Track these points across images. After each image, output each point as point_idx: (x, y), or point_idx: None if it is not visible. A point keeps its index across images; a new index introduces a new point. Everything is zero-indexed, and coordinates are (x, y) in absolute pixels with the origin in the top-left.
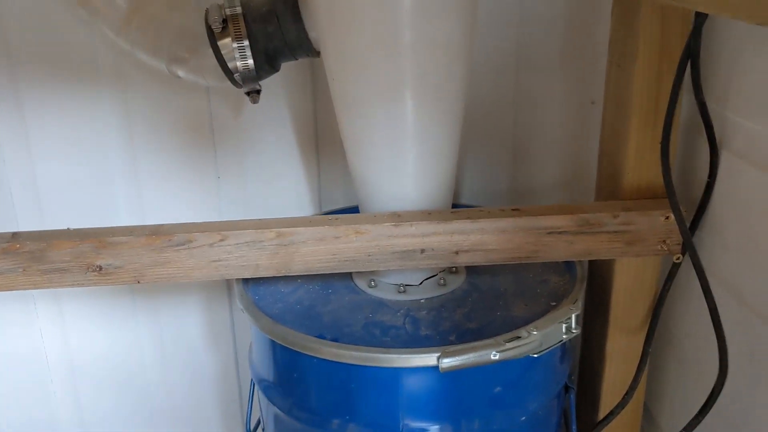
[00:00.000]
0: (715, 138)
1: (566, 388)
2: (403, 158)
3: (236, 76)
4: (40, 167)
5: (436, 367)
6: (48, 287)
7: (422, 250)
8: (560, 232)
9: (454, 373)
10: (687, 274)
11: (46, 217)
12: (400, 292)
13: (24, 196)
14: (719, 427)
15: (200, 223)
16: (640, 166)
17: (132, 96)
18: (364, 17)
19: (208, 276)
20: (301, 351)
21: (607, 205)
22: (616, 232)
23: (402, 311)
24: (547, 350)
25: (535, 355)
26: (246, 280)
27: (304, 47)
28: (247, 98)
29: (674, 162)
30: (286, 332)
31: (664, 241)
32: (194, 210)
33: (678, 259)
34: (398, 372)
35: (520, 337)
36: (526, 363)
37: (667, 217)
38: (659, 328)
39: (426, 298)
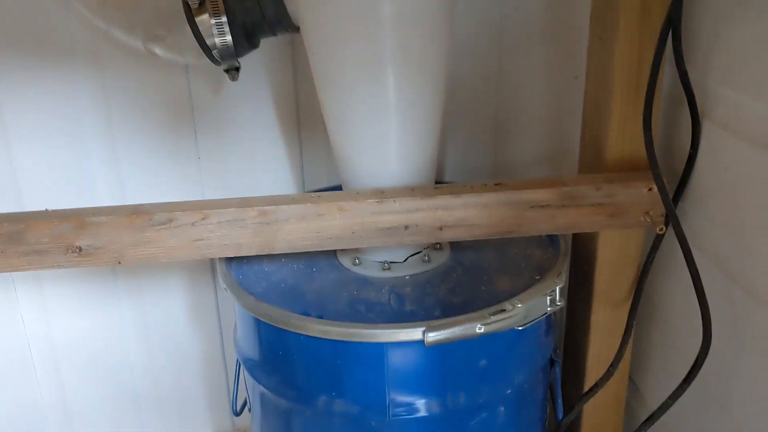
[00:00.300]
0: (697, 109)
1: (551, 362)
2: (385, 134)
3: (214, 53)
4: (17, 149)
5: (421, 342)
6: (27, 269)
7: (406, 227)
8: (543, 206)
9: (440, 347)
10: (670, 245)
11: (24, 199)
12: (384, 269)
13: (0, 178)
14: (703, 397)
15: (181, 202)
16: (622, 138)
17: (109, 76)
18: None
19: (190, 255)
20: (286, 329)
21: (589, 178)
22: (599, 204)
23: (387, 288)
24: (531, 323)
25: (520, 328)
26: (229, 260)
27: (283, 22)
28: (226, 76)
29: (657, 134)
30: (270, 310)
31: (648, 213)
32: (175, 191)
33: (661, 230)
34: (384, 347)
35: (504, 310)
36: (511, 336)
37: (650, 189)
38: (643, 300)
39: (410, 275)
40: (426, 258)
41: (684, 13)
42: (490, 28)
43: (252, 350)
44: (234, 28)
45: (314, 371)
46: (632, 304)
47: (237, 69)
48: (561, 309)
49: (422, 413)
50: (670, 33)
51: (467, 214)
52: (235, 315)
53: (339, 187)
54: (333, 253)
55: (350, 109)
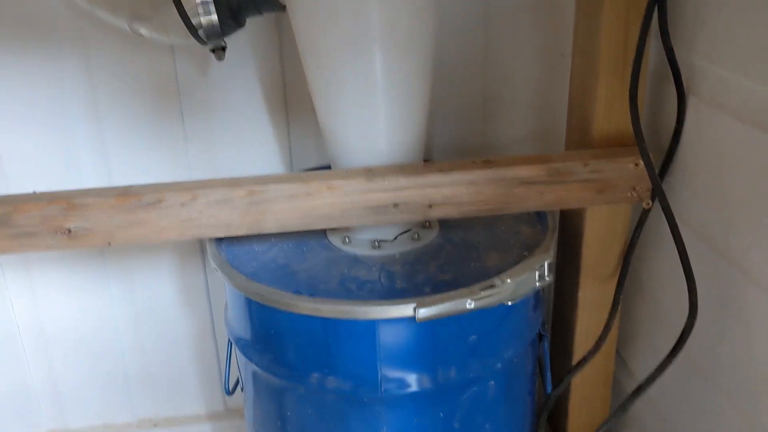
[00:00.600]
0: (682, 84)
1: (540, 336)
2: (373, 112)
3: (200, 32)
4: (1, 131)
5: (412, 318)
6: (16, 252)
7: (395, 205)
8: (531, 183)
9: (431, 323)
10: (656, 220)
11: (10, 181)
12: (374, 247)
13: None
14: (689, 370)
15: (170, 182)
16: (609, 114)
17: (94, 57)
18: None
19: (180, 236)
20: (278, 307)
21: (577, 154)
22: (586, 180)
23: (377, 266)
24: (520, 298)
25: (509, 304)
26: (219, 240)
27: (268, 0)
28: (213, 57)
29: (643, 110)
30: (262, 289)
31: (634, 188)
32: (162, 173)
33: (648, 205)
34: (375, 324)
35: (494, 286)
36: (500, 311)
37: (637, 164)
38: (630, 275)
39: (400, 253)
40: (415, 236)
41: None
42: (476, 7)
43: (243, 330)
44: (219, 7)
45: (306, 349)
46: (619, 279)
47: (223, 49)
48: (549, 284)
49: (414, 388)
50: (656, 10)
51: (456, 191)
52: (226, 295)
53: (328, 167)
54: (323, 233)
55: (338, 87)
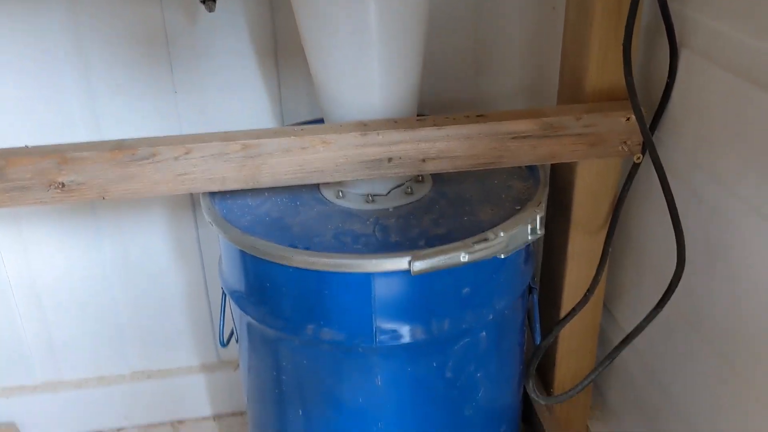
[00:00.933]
0: (675, 37)
1: (530, 289)
2: (367, 64)
3: None
4: None
5: (407, 271)
6: (9, 206)
7: (389, 159)
8: (524, 137)
9: (425, 275)
10: (645, 174)
11: None
12: (368, 201)
13: None
14: (675, 321)
15: (164, 136)
16: (602, 68)
17: (81, 7)
18: None
19: (174, 190)
20: (274, 261)
21: (569, 108)
22: (578, 134)
23: (371, 220)
24: (513, 251)
25: (502, 256)
26: (212, 194)
27: None
28: (201, 7)
29: (635, 64)
30: (258, 243)
31: (625, 142)
32: (152, 126)
33: (638, 159)
34: (371, 277)
35: (487, 239)
36: (493, 264)
37: (628, 119)
38: (618, 228)
39: (394, 207)
40: (409, 190)
41: None
42: None
43: (238, 282)
44: None
45: (301, 302)
46: (608, 232)
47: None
48: (539, 238)
49: (408, 339)
50: None
51: (450, 145)
52: (220, 248)
53: (319, 121)
54: (316, 187)
55: (332, 39)
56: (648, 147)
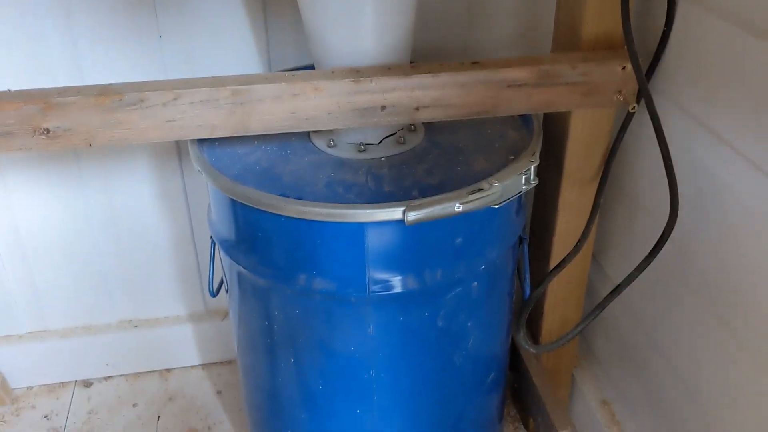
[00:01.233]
0: None
1: (520, 239)
2: (361, 8)
3: None
4: None
5: (401, 221)
6: None
7: (383, 107)
8: (520, 85)
9: (418, 226)
10: (638, 124)
11: None
12: (360, 151)
13: None
14: (665, 273)
15: (151, 81)
16: (598, 15)
17: None
18: None
19: (163, 137)
20: (267, 210)
21: (565, 57)
22: (574, 83)
23: (363, 169)
24: (506, 201)
25: (496, 207)
26: (200, 142)
27: None
28: None
29: (631, 11)
30: (250, 192)
31: (620, 92)
32: (136, 72)
33: (634, 109)
34: (364, 227)
35: (482, 189)
36: (486, 214)
37: (624, 68)
38: (610, 179)
39: (386, 156)
40: (401, 139)
41: None
42: None
43: (228, 232)
44: None
45: (294, 251)
46: (600, 183)
47: None
48: (532, 188)
49: (400, 289)
50: None
51: (444, 93)
52: (210, 197)
53: (308, 67)
54: (306, 135)
55: None
56: (644, 97)
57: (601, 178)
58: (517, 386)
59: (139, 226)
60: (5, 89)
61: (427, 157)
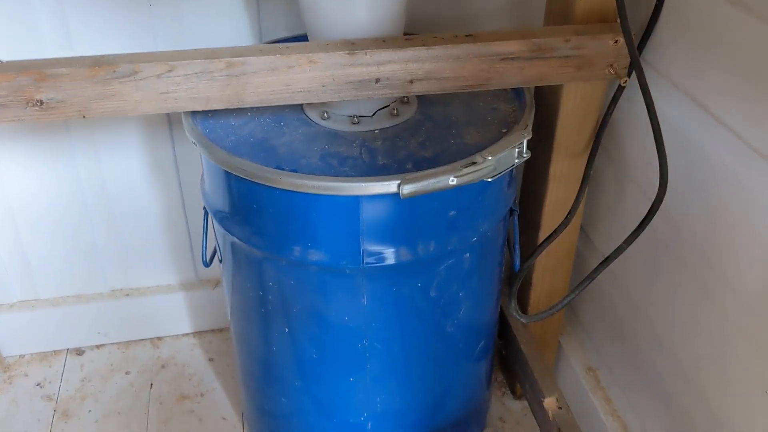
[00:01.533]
0: None
1: (511, 211)
2: None
3: None
4: None
5: (396, 194)
6: None
7: (377, 80)
8: (513, 58)
9: (412, 199)
10: (629, 97)
11: None
12: (353, 123)
13: None
14: (652, 243)
15: (145, 53)
16: None
17: None
18: None
19: (157, 109)
20: (263, 183)
21: (559, 30)
22: (567, 57)
23: (357, 142)
24: (500, 175)
25: (489, 180)
26: (194, 113)
27: None
28: None
29: None
30: (245, 165)
31: (612, 65)
32: (126, 41)
33: (625, 82)
34: (360, 200)
35: (476, 163)
36: (479, 187)
37: (616, 42)
38: (599, 151)
39: (380, 129)
40: (395, 112)
41: None
42: None
43: (222, 203)
44: None
45: (289, 223)
46: (590, 155)
47: None
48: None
49: (394, 261)
50: None
51: (438, 66)
52: (203, 168)
53: (300, 38)
54: (299, 107)
55: None
56: (636, 71)
57: (591, 151)
58: (504, 353)
59: (130, 195)
60: None
61: (421, 130)
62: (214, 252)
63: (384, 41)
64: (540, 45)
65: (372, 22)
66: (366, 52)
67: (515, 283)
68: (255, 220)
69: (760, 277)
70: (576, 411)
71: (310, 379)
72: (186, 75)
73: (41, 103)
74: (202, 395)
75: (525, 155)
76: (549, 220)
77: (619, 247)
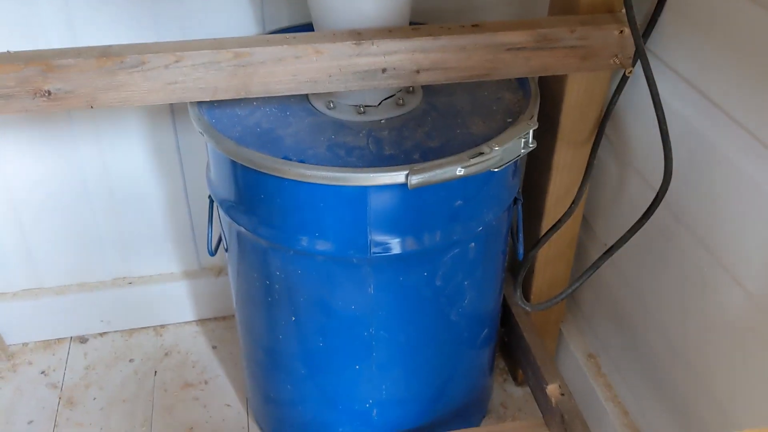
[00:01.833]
0: None
1: (515, 200)
2: None
3: None
4: None
5: (403, 185)
6: None
7: (383, 70)
8: (518, 48)
9: (419, 189)
10: (633, 87)
11: None
12: (359, 113)
13: None
14: (654, 232)
15: (152, 43)
16: None
17: None
18: None
19: (164, 99)
20: (271, 173)
21: (564, 20)
22: (572, 47)
23: (364, 132)
24: (506, 165)
25: (496, 170)
26: (200, 103)
27: None
28: None
29: None
30: (253, 155)
31: (617, 56)
32: (126, 30)
33: (630, 72)
34: (367, 190)
35: (483, 153)
36: (485, 178)
37: (621, 32)
38: (602, 141)
39: (386, 119)
40: (400, 101)
41: None
42: None
43: (229, 192)
44: None
45: (297, 214)
46: (593, 145)
47: None
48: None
49: (400, 251)
50: None
51: (444, 56)
52: (209, 157)
53: (303, 27)
54: (305, 96)
55: None
56: (642, 61)
57: (595, 140)
58: (506, 340)
59: (132, 183)
60: (4, 51)
61: (426, 120)
62: (219, 241)
63: (390, 31)
64: (546, 35)
65: (378, 12)
66: (373, 42)
67: (521, 272)
68: (262, 210)
69: (762, 266)
70: (577, 397)
71: (315, 367)
72: (193, 65)
73: (49, 93)
74: (206, 382)
75: (531, 145)
76: (552, 210)
77: (623, 236)
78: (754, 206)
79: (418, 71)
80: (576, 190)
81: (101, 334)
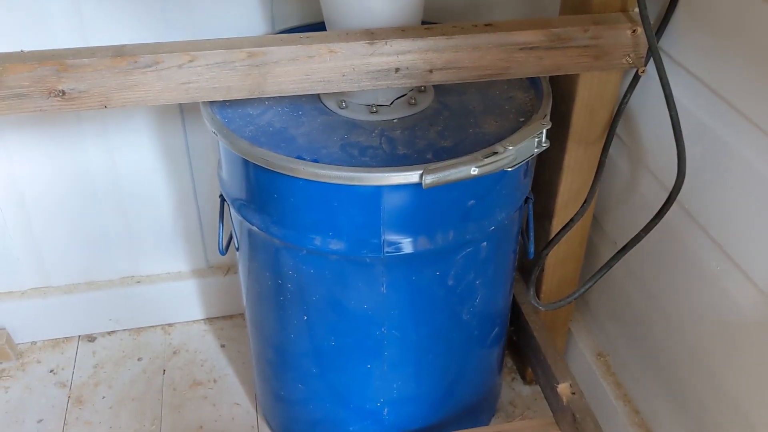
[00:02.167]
0: None
1: (526, 199)
2: None
3: None
4: None
5: (417, 185)
6: (8, 114)
7: (397, 69)
8: (531, 48)
9: (432, 188)
10: (645, 86)
11: None
12: (372, 112)
13: None
14: (665, 231)
15: (166, 42)
16: None
17: None
18: None
19: (178, 99)
20: (285, 173)
21: (577, 19)
22: (585, 46)
23: (377, 131)
24: (519, 164)
25: (510, 169)
26: (212, 103)
27: None
28: None
29: None
30: (267, 155)
31: (629, 55)
32: (138, 29)
33: (643, 71)
34: (381, 190)
35: (497, 153)
36: (497, 177)
37: (634, 31)
38: (614, 140)
39: (399, 118)
40: (412, 101)
41: None
42: None
43: (241, 191)
44: None
45: (310, 213)
46: (605, 144)
47: None
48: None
49: (413, 250)
50: None
51: (457, 55)
52: (221, 156)
53: (313, 26)
54: (317, 96)
55: None
56: (655, 61)
57: (606, 140)
58: (515, 339)
59: (141, 182)
60: (18, 50)
61: (439, 119)
62: (230, 239)
63: (403, 31)
64: (558, 35)
65: (391, 11)
66: (386, 42)
67: (534, 271)
68: (275, 210)
69: None
70: (587, 396)
71: (327, 366)
72: (207, 65)
73: (63, 93)
74: (214, 381)
75: (544, 144)
76: (562, 209)
77: (636, 235)
78: (767, 204)
79: (431, 71)
80: (587, 189)
81: (109, 333)
